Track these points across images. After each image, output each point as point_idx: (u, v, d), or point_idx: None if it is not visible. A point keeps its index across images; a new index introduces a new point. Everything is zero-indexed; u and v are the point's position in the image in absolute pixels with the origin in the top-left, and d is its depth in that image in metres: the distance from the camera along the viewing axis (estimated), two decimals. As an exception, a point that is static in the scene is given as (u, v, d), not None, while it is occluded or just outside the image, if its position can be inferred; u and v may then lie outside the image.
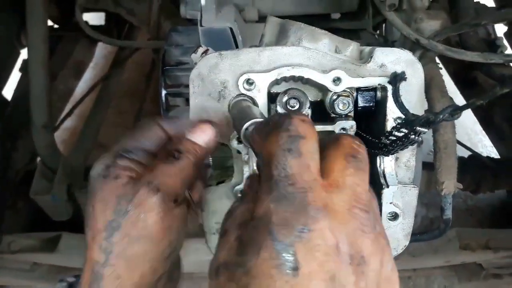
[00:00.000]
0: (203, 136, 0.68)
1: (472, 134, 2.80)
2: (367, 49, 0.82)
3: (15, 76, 2.17)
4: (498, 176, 1.76)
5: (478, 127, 2.39)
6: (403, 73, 0.75)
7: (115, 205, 0.57)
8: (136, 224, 0.56)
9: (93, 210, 0.58)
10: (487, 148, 2.64)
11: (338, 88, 0.77)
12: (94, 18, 2.71)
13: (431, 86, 1.04)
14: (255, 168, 0.86)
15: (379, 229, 0.45)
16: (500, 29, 1.94)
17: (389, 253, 0.45)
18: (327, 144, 0.49)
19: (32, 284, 1.74)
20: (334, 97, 0.79)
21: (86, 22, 2.29)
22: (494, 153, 2.11)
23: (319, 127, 0.81)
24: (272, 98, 0.82)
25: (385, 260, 0.44)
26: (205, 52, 0.83)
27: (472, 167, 1.74)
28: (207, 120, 0.70)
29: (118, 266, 0.56)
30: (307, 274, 0.39)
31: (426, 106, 1.09)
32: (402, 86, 0.75)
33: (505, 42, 1.79)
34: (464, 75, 1.88)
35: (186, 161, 0.63)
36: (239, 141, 0.81)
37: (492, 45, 1.74)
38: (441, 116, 0.60)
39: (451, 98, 1.07)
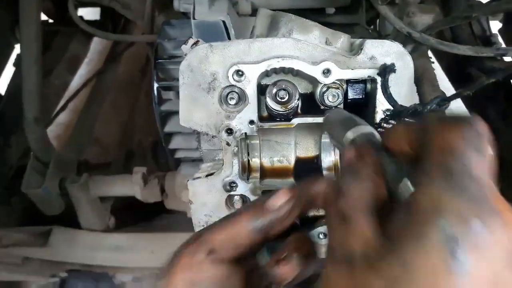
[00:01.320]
0: (270, 202, 0.58)
1: (467, 131, 2.80)
2: (357, 41, 0.82)
3: (9, 71, 2.16)
4: (492, 173, 1.76)
5: (473, 124, 2.39)
6: (392, 65, 0.75)
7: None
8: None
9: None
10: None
11: (328, 80, 0.77)
12: (90, 13, 2.70)
13: (423, 80, 1.03)
14: (244, 160, 0.86)
15: None
16: (496, 26, 1.95)
17: None
18: None
19: (24, 278, 1.73)
20: (324, 89, 0.79)
21: (81, 17, 2.29)
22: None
23: (309, 119, 0.81)
24: (262, 90, 0.82)
25: None
26: (196, 43, 0.83)
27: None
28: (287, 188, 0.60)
29: None
30: (476, 277, 0.35)
31: (417, 100, 1.08)
32: (392, 78, 0.75)
33: (500, 38, 1.80)
34: (458, 71, 1.88)
35: (239, 225, 0.57)
36: (228, 133, 0.81)
37: (487, 41, 1.74)
38: (428, 107, 0.60)
39: (443, 92, 1.07)
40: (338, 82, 0.79)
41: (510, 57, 1.15)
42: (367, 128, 0.53)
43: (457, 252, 0.35)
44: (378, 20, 1.52)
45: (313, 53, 0.77)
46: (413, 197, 0.40)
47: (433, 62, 1.13)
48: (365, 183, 0.46)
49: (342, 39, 0.81)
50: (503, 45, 1.79)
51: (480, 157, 0.39)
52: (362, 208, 0.44)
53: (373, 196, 0.45)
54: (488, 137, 0.40)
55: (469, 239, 0.35)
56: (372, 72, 0.77)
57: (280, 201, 0.57)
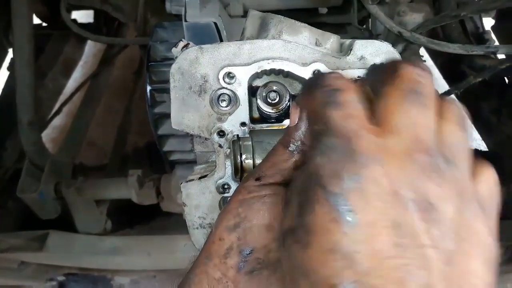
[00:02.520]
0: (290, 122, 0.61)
1: (462, 128, 2.80)
2: (347, 41, 0.82)
3: (3, 75, 2.16)
4: (486, 169, 1.76)
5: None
6: (382, 64, 0.75)
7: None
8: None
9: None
10: (476, 141, 2.64)
11: (318, 81, 0.77)
12: (83, 16, 2.70)
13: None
14: (237, 162, 0.86)
15: (452, 172, 0.40)
16: (489, 22, 1.95)
17: (469, 199, 0.41)
18: (383, 80, 0.45)
19: (21, 283, 1.73)
20: (315, 89, 0.79)
21: (74, 20, 2.29)
22: (483, 147, 2.11)
23: (301, 120, 0.81)
24: (253, 92, 0.82)
25: (463, 207, 0.40)
26: (186, 46, 0.83)
27: (460, 160, 1.74)
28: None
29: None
30: (367, 223, 0.37)
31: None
32: (382, 78, 0.75)
33: (493, 35, 1.80)
34: (452, 68, 1.89)
35: (277, 152, 0.62)
36: (220, 135, 0.81)
37: (480, 38, 1.75)
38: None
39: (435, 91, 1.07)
40: (329, 83, 0.79)
41: (501, 55, 1.15)
42: None
43: (341, 207, 0.37)
44: (370, 20, 1.52)
45: (302, 54, 0.78)
46: (299, 172, 0.46)
47: (424, 61, 1.13)
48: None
49: (332, 40, 0.81)
50: (496, 42, 1.80)
51: (336, 109, 0.42)
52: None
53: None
54: (338, 87, 0.43)
55: (348, 192, 0.38)
56: (362, 73, 0.77)
57: (294, 116, 0.59)
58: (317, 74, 0.47)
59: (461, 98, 1.94)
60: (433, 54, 1.92)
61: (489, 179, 0.47)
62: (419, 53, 1.15)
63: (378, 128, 0.41)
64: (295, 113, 0.59)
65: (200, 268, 0.59)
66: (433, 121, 0.43)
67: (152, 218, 1.93)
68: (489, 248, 0.41)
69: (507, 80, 1.64)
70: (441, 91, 1.20)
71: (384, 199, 0.37)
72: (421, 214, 0.37)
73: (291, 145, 0.58)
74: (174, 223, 1.75)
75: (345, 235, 0.37)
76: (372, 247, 0.36)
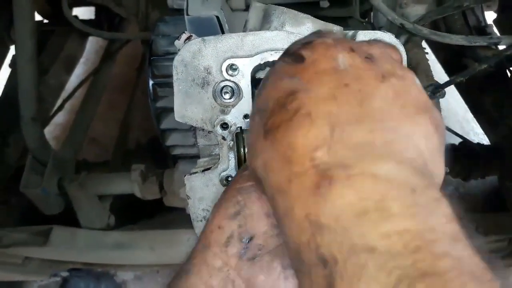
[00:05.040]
0: None
1: (464, 123, 2.80)
2: (350, 33, 0.82)
3: (5, 72, 2.16)
4: (489, 162, 1.77)
5: (469, 116, 2.40)
6: (385, 55, 0.74)
7: None
8: None
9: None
10: (478, 136, 2.64)
11: (321, 72, 0.77)
12: (84, 13, 2.71)
13: (417, 71, 1.04)
14: (240, 154, 0.86)
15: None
16: (490, 16, 1.95)
17: (402, 69, 0.50)
18: None
19: (25, 278, 1.73)
20: (318, 81, 0.79)
21: (76, 16, 2.29)
22: (486, 141, 2.11)
23: (304, 112, 0.81)
24: (256, 84, 0.82)
25: (398, 69, 0.49)
26: (188, 38, 0.83)
27: (462, 153, 1.74)
28: None
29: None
30: (312, 61, 0.46)
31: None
32: (385, 68, 0.75)
33: (495, 29, 1.80)
34: (455, 63, 1.88)
35: None
36: (224, 127, 0.81)
37: (482, 32, 1.74)
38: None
39: (437, 82, 1.07)
40: (332, 74, 0.79)
41: (503, 46, 1.15)
42: None
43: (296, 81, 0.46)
44: (372, 13, 1.51)
45: (306, 46, 0.77)
46: None
47: (427, 53, 1.13)
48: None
49: (335, 31, 0.81)
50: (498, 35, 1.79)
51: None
52: None
53: None
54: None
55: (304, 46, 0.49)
56: (365, 64, 0.77)
57: None
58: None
59: (464, 91, 1.94)
60: (435, 48, 1.92)
61: None
62: (421, 45, 1.15)
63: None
64: None
65: (198, 258, 0.58)
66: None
67: (155, 213, 1.94)
68: None
69: (509, 74, 1.64)
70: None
71: (327, 46, 0.48)
72: (359, 55, 0.47)
73: None
74: (177, 217, 1.75)
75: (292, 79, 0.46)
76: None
